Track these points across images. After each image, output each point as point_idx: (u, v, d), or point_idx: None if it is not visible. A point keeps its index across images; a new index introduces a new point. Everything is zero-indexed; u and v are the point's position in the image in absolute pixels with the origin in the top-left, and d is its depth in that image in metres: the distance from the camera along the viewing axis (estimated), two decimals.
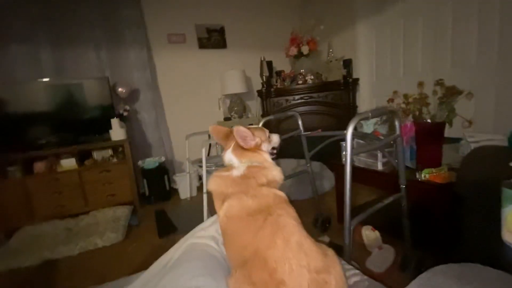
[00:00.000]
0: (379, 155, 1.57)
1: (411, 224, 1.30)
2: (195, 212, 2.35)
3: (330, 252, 0.63)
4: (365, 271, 1.38)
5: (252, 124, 3.09)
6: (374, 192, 2.12)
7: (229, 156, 0.85)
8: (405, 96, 1.38)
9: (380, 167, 1.57)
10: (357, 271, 0.76)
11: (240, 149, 0.86)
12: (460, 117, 1.33)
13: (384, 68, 2.72)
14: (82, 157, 2.42)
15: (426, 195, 1.33)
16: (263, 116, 3.20)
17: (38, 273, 1.74)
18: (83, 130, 2.48)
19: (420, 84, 1.36)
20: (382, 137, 1.39)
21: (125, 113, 2.60)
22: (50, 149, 2.29)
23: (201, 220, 2.02)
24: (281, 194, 0.75)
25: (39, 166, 2.27)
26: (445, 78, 1.40)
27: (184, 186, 2.81)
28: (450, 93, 1.31)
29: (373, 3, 2.74)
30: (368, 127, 1.58)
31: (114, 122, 2.41)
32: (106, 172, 2.40)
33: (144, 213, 2.48)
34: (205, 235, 0.84)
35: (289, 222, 0.65)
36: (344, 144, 1.61)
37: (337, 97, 2.91)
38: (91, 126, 2.49)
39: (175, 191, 2.88)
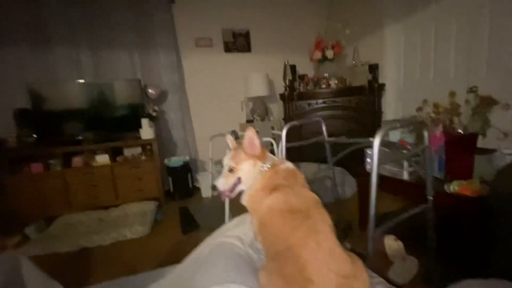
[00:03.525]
0: (405, 164, 1.54)
1: (438, 236, 1.27)
2: (216, 211, 2.43)
3: (359, 261, 0.66)
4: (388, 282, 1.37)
5: (273, 128, 3.12)
6: (396, 201, 2.08)
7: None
8: (435, 106, 1.35)
9: (406, 176, 1.54)
10: (382, 279, 0.78)
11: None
12: (495, 128, 1.29)
13: (413, 74, 2.64)
14: (114, 154, 2.59)
15: (454, 207, 1.29)
16: (285, 119, 3.23)
17: (74, 259, 1.90)
18: (115, 128, 2.65)
19: (452, 95, 1.32)
20: (409, 147, 1.37)
21: (154, 113, 2.74)
22: (87, 145, 2.48)
23: (222, 219, 2.10)
24: (318, 199, 0.80)
25: (76, 160, 2.46)
26: (480, 85, 1.36)
27: (206, 185, 2.91)
28: (485, 104, 1.27)
29: (402, 6, 2.67)
30: (395, 135, 1.56)
31: (144, 121, 2.55)
32: (136, 168, 2.55)
33: (168, 209, 2.60)
34: (232, 235, 0.90)
35: (324, 228, 0.69)
36: (369, 152, 1.61)
37: (361, 102, 2.87)
38: (123, 125, 2.66)
39: (198, 189, 2.99)
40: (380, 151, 1.01)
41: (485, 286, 0.46)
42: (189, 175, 2.90)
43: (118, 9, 2.71)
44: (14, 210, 2.34)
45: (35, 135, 2.47)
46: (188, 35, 3.12)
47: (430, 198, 1.19)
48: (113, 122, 2.65)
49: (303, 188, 0.79)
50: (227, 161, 0.89)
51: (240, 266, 0.72)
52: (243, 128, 3.20)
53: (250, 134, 0.85)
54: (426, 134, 1.14)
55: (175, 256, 1.73)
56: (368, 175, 1.41)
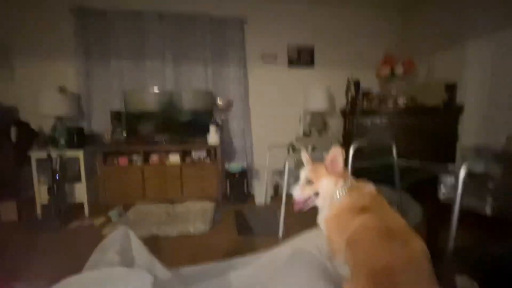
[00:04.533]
0: (489, 198, 1.40)
1: None
2: (268, 218, 2.52)
3: None
4: None
5: (331, 143, 3.09)
6: (467, 235, 1.85)
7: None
8: None
9: (488, 211, 1.39)
10: None
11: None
12: None
13: (502, 97, 2.34)
14: (184, 155, 2.91)
15: None
16: (344, 136, 3.18)
17: (146, 243, 2.17)
18: (187, 132, 2.99)
19: None
20: (496, 180, 1.25)
21: (220, 122, 2.99)
22: (162, 146, 2.84)
23: (275, 226, 2.17)
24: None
25: (154, 158, 2.84)
26: None
27: (260, 192, 3.02)
28: None
29: (491, 17, 2.41)
30: (478, 165, 1.43)
31: (212, 128, 2.82)
32: (200, 170, 2.82)
33: (224, 211, 2.78)
34: (312, 244, 0.95)
35: (424, 264, 0.69)
36: (445, 180, 1.50)
37: (433, 124, 2.66)
38: (194, 130, 2.99)
39: (252, 196, 3.12)
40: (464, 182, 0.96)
41: None
42: (245, 181, 3.06)
43: (199, 28, 3.08)
44: (102, 195, 2.80)
45: (124, 134, 2.94)
46: (256, 51, 3.34)
47: None
48: (185, 127, 3.00)
49: (393, 212, 0.81)
50: (306, 173, 0.93)
51: (319, 277, 0.77)
52: (300, 141, 3.24)
53: (336, 152, 0.88)
54: None
55: (232, 255, 1.85)
56: (441, 204, 1.33)
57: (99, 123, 3.03)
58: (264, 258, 1.05)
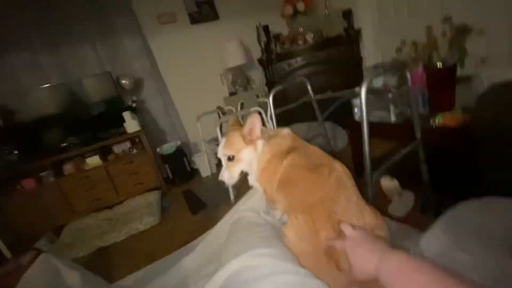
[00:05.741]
0: (392, 107, 1.59)
1: (428, 169, 1.36)
2: (218, 187, 2.49)
3: (379, 212, 0.72)
4: (389, 217, 1.49)
5: (258, 96, 3.07)
6: (387, 144, 2.16)
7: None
8: (414, 44, 1.35)
9: (393, 119, 1.60)
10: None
11: None
12: (473, 56, 1.31)
13: (387, 14, 2.58)
14: (105, 153, 2.54)
15: (441, 139, 1.37)
16: (267, 84, 3.18)
17: (93, 260, 1.96)
18: (99, 128, 2.57)
19: (429, 29, 1.32)
20: (393, 90, 1.40)
21: (134, 104, 2.64)
22: (74, 150, 2.41)
23: (226, 194, 2.16)
24: None
25: (68, 168, 2.41)
26: (454, 12, 1.36)
27: (203, 165, 2.93)
28: (460, 33, 1.27)
29: None
30: (378, 81, 1.57)
31: (126, 115, 2.47)
32: (129, 163, 2.53)
33: (173, 195, 2.65)
34: (245, 208, 0.93)
35: (349, 183, 0.73)
36: (356, 102, 1.64)
37: (340, 53, 2.83)
38: (105, 122, 2.57)
39: (196, 171, 3.02)
40: (366, 100, 1.03)
41: (479, 204, 0.51)
42: (184, 159, 2.90)
43: None
44: (18, 229, 2.33)
45: (16, 151, 2.37)
46: (149, 13, 2.89)
47: (419, 135, 1.25)
48: (94, 122, 2.55)
49: (311, 146, 0.82)
50: (223, 151, 0.86)
51: (260, 233, 0.76)
52: (228, 102, 3.14)
53: (252, 120, 0.81)
54: (408, 74, 1.16)
55: (192, 237, 1.80)
56: (358, 124, 1.45)
57: None
58: (208, 237, 1.02)
